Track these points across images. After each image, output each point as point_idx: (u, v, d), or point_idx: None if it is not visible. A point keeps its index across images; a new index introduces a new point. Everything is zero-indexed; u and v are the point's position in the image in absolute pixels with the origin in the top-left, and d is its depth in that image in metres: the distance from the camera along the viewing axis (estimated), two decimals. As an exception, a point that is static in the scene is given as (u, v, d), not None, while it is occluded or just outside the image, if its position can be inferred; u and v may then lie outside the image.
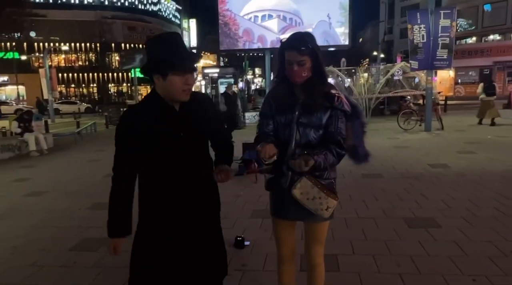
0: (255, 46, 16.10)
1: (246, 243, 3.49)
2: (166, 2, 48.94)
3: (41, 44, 36.23)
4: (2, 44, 28.19)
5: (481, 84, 12.30)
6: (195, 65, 1.81)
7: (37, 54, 33.34)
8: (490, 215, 4.01)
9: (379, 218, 4.07)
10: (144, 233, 1.90)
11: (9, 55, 28.65)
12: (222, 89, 16.16)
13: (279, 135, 1.98)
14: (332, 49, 17.35)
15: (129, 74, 31.56)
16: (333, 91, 1.92)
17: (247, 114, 15.15)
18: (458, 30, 30.05)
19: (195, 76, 1.82)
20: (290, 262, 2.15)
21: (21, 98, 34.65)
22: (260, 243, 3.51)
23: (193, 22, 54.97)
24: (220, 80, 15.85)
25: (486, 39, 30.42)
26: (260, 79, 60.36)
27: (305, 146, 1.91)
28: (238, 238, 3.46)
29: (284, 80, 1.97)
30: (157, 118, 1.73)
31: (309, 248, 2.08)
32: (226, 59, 52.01)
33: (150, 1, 45.27)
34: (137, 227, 1.91)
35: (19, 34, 23.81)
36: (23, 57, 30.98)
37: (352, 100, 2.00)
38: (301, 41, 1.87)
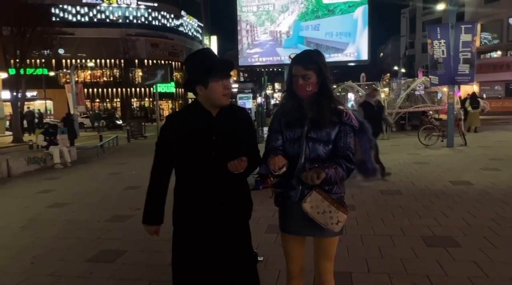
0: (275, 62, 16.42)
1: (260, 258, 3.48)
2: (188, 19, 50.26)
3: (68, 60, 37.76)
4: (32, 61, 29.53)
5: (468, 100, 15.02)
6: (230, 71, 1.97)
7: (64, 70, 34.71)
8: (514, 235, 3.86)
9: (396, 236, 3.98)
10: (175, 231, 2.05)
11: (39, 71, 29.89)
12: (240, 103, 16.33)
13: (287, 150, 2.01)
14: (352, 64, 17.31)
15: (151, 89, 32.32)
16: (341, 107, 1.97)
17: (265, 129, 15.21)
18: (482, 44, 29.53)
19: (231, 82, 1.95)
20: (299, 278, 2.13)
21: (48, 112, 35.99)
22: (273, 259, 3.49)
23: (214, 39, 56.14)
24: (239, 95, 16.02)
25: (512, 53, 29.71)
26: (279, 94, 60.66)
27: (314, 160, 1.94)
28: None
29: (292, 94, 2.03)
30: (194, 121, 1.94)
31: (318, 264, 2.06)
32: (246, 75, 52.63)
33: (172, 18, 46.61)
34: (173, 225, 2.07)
35: (48, 51, 24.89)
36: (51, 73, 32.26)
37: (359, 116, 2.02)
38: (307, 57, 1.98)
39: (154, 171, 2.05)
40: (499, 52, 30.58)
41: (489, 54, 31.01)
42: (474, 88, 25.90)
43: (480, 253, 3.45)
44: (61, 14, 39.05)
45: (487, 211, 4.69)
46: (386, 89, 19.90)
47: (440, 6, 15.61)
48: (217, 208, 1.93)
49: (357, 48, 15.21)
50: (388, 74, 51.23)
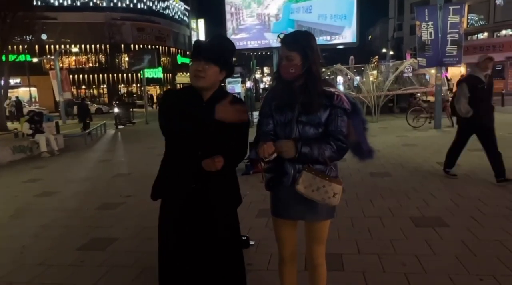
0: (263, 45, 16.10)
1: (251, 242, 3.51)
2: (174, 3, 49.19)
3: (52, 46, 36.78)
4: (15, 47, 28.68)
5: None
6: (204, 55, 1.93)
7: (48, 56, 33.83)
8: (500, 214, 3.95)
9: (386, 217, 4.04)
10: (160, 210, 2.09)
11: (21, 58, 29.09)
12: (229, 88, 16.19)
13: (278, 134, 1.99)
14: (340, 47, 17.20)
15: (139, 75, 31.81)
16: (332, 90, 1.94)
17: (255, 113, 15.16)
18: (470, 25, 29.61)
19: (204, 65, 1.92)
20: (291, 263, 2.15)
21: (33, 100, 35.20)
22: (265, 243, 3.51)
23: (201, 22, 55.16)
24: (228, 80, 15.89)
25: (498, 35, 29.88)
26: (268, 78, 60.30)
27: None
28: (243, 238, 3.46)
29: (281, 78, 2.00)
30: (184, 102, 1.98)
31: (310, 248, 2.08)
32: (234, 59, 52.04)
33: (158, 1, 45.55)
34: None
35: (30, 37, 24.15)
36: (35, 60, 31.43)
37: (351, 98, 2.00)
38: (292, 37, 1.94)
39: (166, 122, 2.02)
40: (485, 34, 30.73)
41: (476, 35, 31.14)
42: (462, 69, 26.17)
43: (468, 232, 3.52)
44: (43, -2, 37.80)
45: (474, 191, 4.78)
46: (375, 72, 19.92)
47: (429, -13, 15.58)
48: (189, 191, 1.95)
49: (352, 32, 14.66)
50: (377, 57, 51.22)
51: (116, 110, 18.59)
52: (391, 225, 3.81)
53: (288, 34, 1.97)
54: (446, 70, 17.27)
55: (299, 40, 1.92)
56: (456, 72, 28.03)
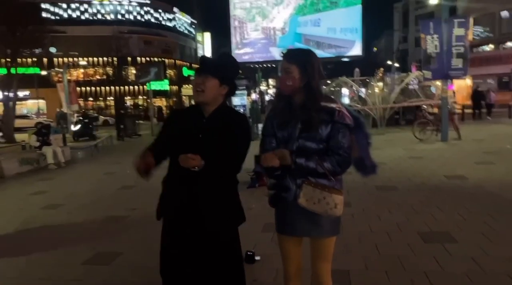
0: (268, 58, 16.20)
1: (257, 258, 3.47)
2: (181, 16, 49.91)
3: (60, 59, 37.36)
4: (24, 60, 29.17)
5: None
6: (204, 68, 1.98)
7: (56, 69, 34.35)
8: (511, 230, 3.88)
9: (393, 232, 3.98)
10: (163, 224, 2.10)
11: (30, 71, 29.59)
12: (236, 100, 16.25)
13: None
14: (346, 59, 17.26)
15: (145, 87, 32.14)
16: (333, 105, 1.94)
17: (260, 126, 15.19)
18: (475, 38, 29.63)
19: (202, 79, 1.96)
20: (296, 279, 2.12)
21: (41, 111, 35.63)
22: (271, 258, 3.47)
23: (207, 35, 55.85)
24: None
25: (504, 47, 29.85)
26: (274, 90, 60.55)
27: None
28: (249, 253, 3.44)
29: (282, 94, 2.04)
30: (187, 118, 2.04)
31: (315, 266, 2.04)
32: (240, 71, 52.39)
33: (165, 17, 46.27)
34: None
35: (40, 50, 24.57)
36: (43, 72, 31.93)
37: (354, 112, 2.00)
38: (292, 51, 2.00)
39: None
40: (491, 45, 30.72)
41: (481, 47, 31.13)
42: (467, 82, 26.08)
43: (477, 248, 3.46)
44: (53, 12, 38.57)
45: (482, 206, 4.71)
46: (380, 84, 19.94)
47: (433, 1, 15.59)
48: (183, 210, 1.95)
49: (362, 45, 14.36)
50: (382, 69, 51.30)
51: (110, 120, 18.69)
52: (399, 240, 3.76)
53: (290, 49, 2.02)
54: (452, 82, 17.27)
55: (299, 55, 1.98)
56: (462, 84, 27.93)
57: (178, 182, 1.98)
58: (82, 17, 41.03)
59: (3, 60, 17.99)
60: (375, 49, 72.25)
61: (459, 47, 10.33)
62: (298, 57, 1.95)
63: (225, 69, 2.01)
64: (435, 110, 14.37)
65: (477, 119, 17.26)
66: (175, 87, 45.33)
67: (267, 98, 44.27)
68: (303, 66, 1.92)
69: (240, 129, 2.02)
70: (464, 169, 6.84)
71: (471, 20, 10.42)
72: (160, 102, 42.13)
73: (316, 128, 1.91)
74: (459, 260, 3.25)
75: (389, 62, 50.21)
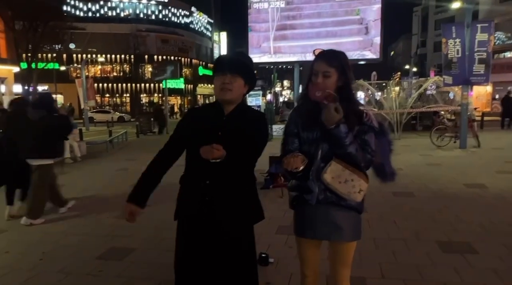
0: (284, 59, 16.17)
1: (271, 260, 3.42)
2: (198, 16, 50.21)
3: (79, 55, 38.01)
4: (44, 55, 29.76)
5: None
6: (230, 68, 1.95)
7: (75, 65, 34.97)
8: (533, 242, 3.74)
9: (411, 240, 3.88)
10: (178, 225, 2.08)
11: (50, 66, 30.16)
12: (250, 101, 16.25)
13: (304, 152, 1.94)
14: (362, 62, 17.07)
15: (161, 85, 32.41)
16: (361, 108, 1.93)
17: (275, 127, 15.11)
18: (496, 43, 28.97)
19: (230, 78, 1.94)
20: (314, 280, 2.07)
21: (59, 106, 36.33)
22: (284, 261, 3.42)
23: (223, 35, 56.08)
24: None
25: (526, 53, 29.12)
26: (288, 91, 60.40)
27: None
28: (263, 255, 3.39)
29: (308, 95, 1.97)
30: (206, 116, 2.01)
31: (334, 271, 1.99)
32: (255, 71, 52.47)
33: (183, 15, 46.61)
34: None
35: (59, 46, 25.07)
36: (62, 68, 32.54)
37: (379, 118, 1.96)
38: (332, 54, 1.91)
39: (157, 155, 2.09)
40: (513, 52, 30.00)
41: (502, 54, 30.42)
42: (488, 88, 25.47)
43: (499, 260, 3.34)
44: (73, 9, 39.27)
45: (504, 216, 4.56)
46: (397, 88, 19.63)
47: (456, 5, 15.28)
48: (201, 203, 1.93)
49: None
50: (399, 73, 50.66)
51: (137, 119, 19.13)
52: (416, 249, 3.66)
53: (327, 51, 1.93)
54: (471, 89, 16.91)
55: (337, 57, 1.90)
56: (482, 91, 27.31)
57: (197, 178, 1.96)
58: (102, 15, 41.63)
59: (24, 55, 18.36)
60: (392, 53, 71.43)
61: (481, 52, 10.08)
62: (338, 59, 1.88)
63: (250, 69, 2.02)
64: (453, 116, 14.09)
65: (506, 129, 15.79)
66: (190, 86, 45.62)
67: (281, 99, 44.18)
68: (342, 68, 1.87)
69: (258, 126, 2.02)
70: (484, 178, 6.65)
71: (493, 25, 10.14)
72: (175, 101, 42.48)
73: (351, 130, 1.86)
74: (480, 272, 3.13)
75: (407, 67, 49.59)
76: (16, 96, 8.45)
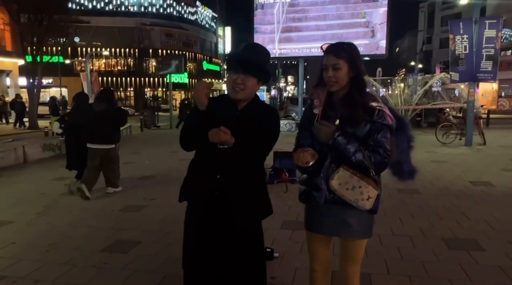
0: (289, 54, 16.08)
1: (276, 255, 3.42)
2: (203, 10, 50.04)
3: (84, 49, 38.03)
4: (49, 48, 29.80)
5: None
6: (243, 67, 1.91)
7: (79, 58, 34.98)
8: (540, 240, 3.71)
9: (416, 237, 3.86)
10: (185, 215, 2.09)
11: (54, 59, 30.11)
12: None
13: (315, 147, 1.92)
14: (367, 58, 16.97)
15: (165, 79, 32.40)
16: (374, 104, 1.85)
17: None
18: (503, 41, 28.68)
19: (243, 78, 1.91)
20: (323, 274, 2.07)
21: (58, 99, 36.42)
22: (289, 256, 3.42)
23: (228, 30, 55.88)
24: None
25: (534, 51, 28.81)
26: (292, 87, 60.25)
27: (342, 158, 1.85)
28: (268, 250, 3.38)
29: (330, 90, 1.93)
30: (219, 109, 1.97)
31: (343, 267, 1.98)
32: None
33: (187, 9, 46.46)
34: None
35: (64, 39, 25.05)
36: (67, 61, 32.56)
37: (398, 112, 1.91)
38: (339, 46, 1.87)
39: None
40: (520, 49, 29.68)
41: (509, 51, 30.11)
42: (494, 86, 25.25)
43: (506, 258, 3.31)
44: (78, 2, 39.22)
45: (511, 214, 4.53)
46: (402, 85, 19.53)
47: (463, 0, 15.12)
48: (211, 196, 1.94)
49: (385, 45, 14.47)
50: (404, 69, 50.33)
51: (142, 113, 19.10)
52: (422, 245, 3.64)
53: (334, 44, 1.91)
54: (478, 86, 16.74)
55: (347, 49, 1.86)
56: (488, 88, 27.09)
57: (207, 169, 1.96)
58: (106, 8, 41.57)
59: (29, 48, 18.38)
60: (397, 49, 70.92)
61: (489, 49, 9.98)
62: (347, 51, 1.85)
63: (263, 68, 1.98)
64: (459, 113, 14.00)
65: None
66: (194, 80, 45.59)
67: (285, 94, 44.07)
68: (353, 60, 1.84)
69: (270, 120, 2.01)
70: (490, 176, 6.61)
71: (502, 22, 10.02)
72: (179, 95, 42.47)
73: (356, 125, 1.83)
74: (487, 269, 3.11)
75: (412, 63, 49.24)
76: (21, 90, 8.77)
